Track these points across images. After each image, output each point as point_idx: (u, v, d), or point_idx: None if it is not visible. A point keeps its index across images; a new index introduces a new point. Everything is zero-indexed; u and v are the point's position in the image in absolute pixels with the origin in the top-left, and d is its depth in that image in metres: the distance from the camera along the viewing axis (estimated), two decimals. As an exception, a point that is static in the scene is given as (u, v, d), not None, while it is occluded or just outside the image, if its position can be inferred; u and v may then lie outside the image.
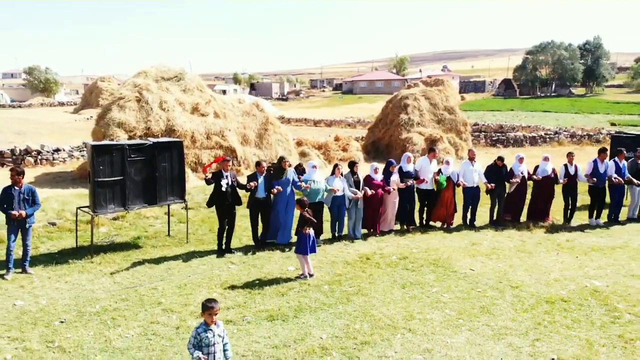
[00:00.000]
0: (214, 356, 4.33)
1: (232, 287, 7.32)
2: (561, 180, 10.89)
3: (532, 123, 37.44)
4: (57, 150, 18.70)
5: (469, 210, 10.88)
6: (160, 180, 9.19)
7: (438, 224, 10.82)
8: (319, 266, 8.19)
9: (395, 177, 10.11)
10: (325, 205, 9.67)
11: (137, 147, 9.02)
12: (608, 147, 12.54)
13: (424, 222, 10.78)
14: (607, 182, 11.03)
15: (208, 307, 4.34)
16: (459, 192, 10.83)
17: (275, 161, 10.80)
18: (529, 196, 11.20)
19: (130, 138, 14.58)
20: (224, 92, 65.34)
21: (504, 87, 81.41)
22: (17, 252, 7.90)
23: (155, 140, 9.68)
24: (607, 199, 11.21)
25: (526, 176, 10.88)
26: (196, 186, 13.99)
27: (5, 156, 17.69)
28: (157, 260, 8.47)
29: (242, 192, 9.12)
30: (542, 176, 10.87)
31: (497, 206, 10.88)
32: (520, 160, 10.90)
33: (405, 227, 10.48)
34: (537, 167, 11.03)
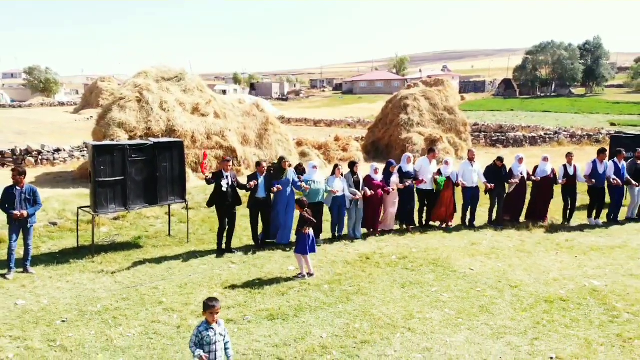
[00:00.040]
0: (215, 355, 4.37)
1: (233, 287, 7.36)
2: (560, 181, 10.92)
3: (532, 123, 37.46)
4: (58, 150, 18.74)
5: (469, 210, 10.91)
6: (161, 180, 9.22)
7: (437, 223, 10.86)
8: (319, 266, 8.23)
9: (395, 178, 10.15)
10: (325, 205, 9.71)
11: (138, 147, 9.05)
12: (607, 148, 12.58)
13: (424, 222, 10.81)
14: (606, 182, 11.07)
15: (209, 306, 4.38)
16: (458, 192, 10.86)
17: (276, 161, 10.84)
18: (528, 196, 11.23)
19: (130, 138, 14.62)
20: (224, 92, 65.41)
21: (504, 87, 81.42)
22: (19, 252, 7.94)
23: (156, 140, 9.72)
24: (607, 199, 11.25)
25: (525, 177, 10.91)
26: (197, 186, 14.02)
27: (6, 156, 17.73)
28: (158, 260, 8.51)
29: (242, 192, 9.16)
30: (541, 177, 10.90)
31: (496, 206, 10.92)
32: (520, 160, 10.94)
33: (404, 227, 10.52)
34: (536, 168, 11.07)
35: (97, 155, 8.56)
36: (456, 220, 10.94)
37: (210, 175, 8.87)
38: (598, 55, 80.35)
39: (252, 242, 9.43)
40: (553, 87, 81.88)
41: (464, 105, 54.29)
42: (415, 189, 10.55)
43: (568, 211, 11.11)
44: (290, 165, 9.92)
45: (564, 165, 11.01)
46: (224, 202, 8.83)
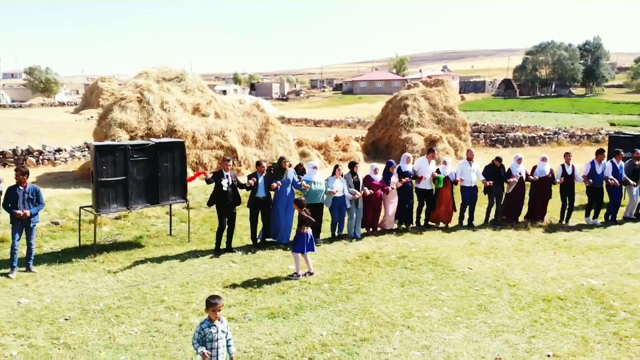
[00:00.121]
0: (218, 351, 4.43)
1: (234, 286, 7.43)
2: (558, 180, 10.99)
3: (532, 123, 37.52)
4: (59, 150, 18.80)
5: (467, 210, 10.97)
6: (162, 180, 9.29)
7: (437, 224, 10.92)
8: (319, 265, 8.30)
9: (394, 178, 10.22)
10: (325, 206, 9.77)
11: (139, 147, 9.12)
12: (606, 148, 12.65)
13: (423, 221, 10.88)
14: (604, 182, 11.14)
15: (212, 303, 4.44)
16: (457, 192, 10.92)
17: (276, 161, 10.91)
18: (527, 196, 11.30)
19: (131, 138, 14.69)
20: (224, 92, 65.51)
21: (504, 87, 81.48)
22: (21, 251, 8.00)
23: (157, 140, 9.79)
24: (606, 199, 11.32)
25: (524, 177, 10.98)
26: (197, 186, 14.06)
27: (7, 156, 17.80)
28: (159, 259, 8.58)
29: (242, 192, 9.23)
30: (539, 176, 10.97)
31: (494, 206, 10.98)
32: (519, 160, 11.01)
33: (404, 226, 10.59)
34: (535, 168, 11.13)
35: (99, 156, 8.63)
36: (455, 220, 11.01)
37: (210, 175, 8.97)
38: (598, 55, 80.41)
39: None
40: (553, 87, 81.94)
41: (463, 105, 54.35)
42: (414, 189, 10.62)
43: (566, 211, 11.18)
44: (290, 165, 10.00)
45: (562, 165, 11.08)
46: (224, 202, 8.90)
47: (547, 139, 27.66)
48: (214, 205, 9.05)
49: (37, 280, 7.58)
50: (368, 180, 10.00)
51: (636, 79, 78.14)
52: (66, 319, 6.29)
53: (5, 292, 7.12)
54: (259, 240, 9.44)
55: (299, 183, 9.38)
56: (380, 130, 23.32)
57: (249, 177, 9.22)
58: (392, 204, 10.28)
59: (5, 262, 8.04)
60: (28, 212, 7.70)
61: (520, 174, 10.91)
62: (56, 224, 10.43)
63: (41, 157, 18.25)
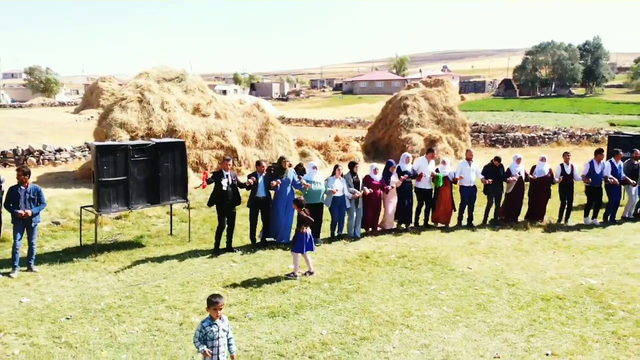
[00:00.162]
0: (219, 350, 4.47)
1: (234, 285, 7.46)
2: (556, 179, 11.03)
3: (532, 123, 37.54)
4: (59, 150, 18.82)
5: (466, 209, 11.00)
6: (162, 180, 9.33)
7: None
8: (319, 264, 8.34)
9: (394, 178, 10.25)
10: (325, 205, 9.81)
11: (140, 147, 9.16)
12: (605, 148, 12.68)
13: (423, 221, 10.91)
14: (603, 182, 11.18)
15: (213, 302, 4.48)
16: (456, 192, 10.96)
17: (276, 161, 10.95)
18: (526, 196, 11.33)
19: (132, 138, 14.72)
20: (224, 92, 65.57)
21: (504, 87, 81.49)
22: (23, 251, 8.04)
23: (158, 140, 9.83)
24: (605, 199, 11.35)
25: (523, 177, 11.01)
26: (197, 186, 14.11)
27: (8, 156, 17.83)
28: (160, 259, 8.62)
29: (242, 192, 9.26)
30: (538, 176, 11.00)
31: (493, 205, 11.02)
32: (518, 160, 11.04)
33: (404, 226, 10.62)
34: (534, 167, 11.17)
35: (100, 155, 8.67)
36: (454, 220, 11.04)
37: (210, 175, 9.01)
38: (598, 56, 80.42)
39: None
40: (553, 87, 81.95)
41: (463, 105, 54.38)
42: (414, 189, 10.65)
43: (565, 210, 11.22)
44: (290, 165, 10.03)
45: (561, 165, 11.12)
46: (224, 201, 8.94)
47: (546, 139, 27.69)
48: (214, 205, 9.08)
49: (38, 279, 7.62)
50: (368, 180, 10.04)
51: (636, 79, 78.14)
52: (67, 318, 6.33)
53: (7, 292, 7.15)
54: (258, 240, 9.48)
55: (299, 182, 9.42)
56: (380, 130, 23.36)
57: (249, 176, 9.26)
58: (391, 204, 10.32)
59: (6, 262, 8.08)
60: (29, 212, 7.74)
61: (519, 173, 10.95)
62: (57, 223, 10.47)
63: (42, 157, 18.27)
